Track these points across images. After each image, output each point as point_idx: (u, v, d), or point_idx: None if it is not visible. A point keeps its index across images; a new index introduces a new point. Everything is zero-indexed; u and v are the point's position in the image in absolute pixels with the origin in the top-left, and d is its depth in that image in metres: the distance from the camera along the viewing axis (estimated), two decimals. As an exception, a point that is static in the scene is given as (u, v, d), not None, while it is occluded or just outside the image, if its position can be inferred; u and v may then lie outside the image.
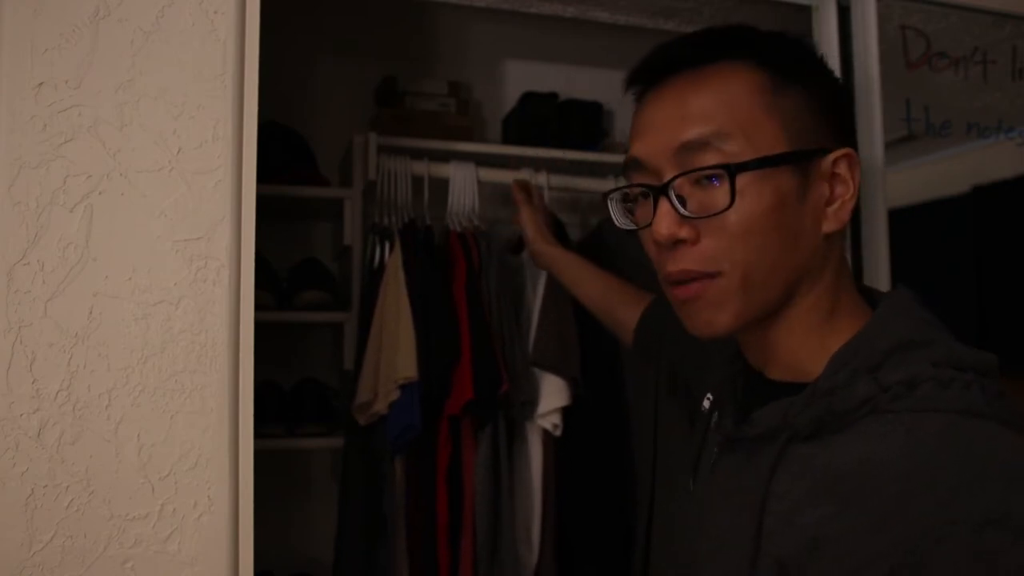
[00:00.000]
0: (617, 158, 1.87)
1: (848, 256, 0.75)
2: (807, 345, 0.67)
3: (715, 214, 0.64)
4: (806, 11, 1.51)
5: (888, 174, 1.47)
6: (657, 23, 1.62)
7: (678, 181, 0.66)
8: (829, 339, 0.66)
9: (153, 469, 0.96)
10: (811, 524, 0.58)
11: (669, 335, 1.06)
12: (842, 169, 0.67)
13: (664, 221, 0.66)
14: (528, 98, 2.05)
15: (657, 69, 0.70)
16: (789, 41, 0.70)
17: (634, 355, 1.23)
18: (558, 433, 1.61)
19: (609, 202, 0.74)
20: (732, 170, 0.63)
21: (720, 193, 0.64)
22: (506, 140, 2.10)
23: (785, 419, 0.63)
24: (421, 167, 1.75)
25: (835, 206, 0.67)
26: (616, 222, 0.74)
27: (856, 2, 1.48)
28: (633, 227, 0.72)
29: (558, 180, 1.85)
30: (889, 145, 1.47)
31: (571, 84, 2.15)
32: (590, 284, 1.34)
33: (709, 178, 0.65)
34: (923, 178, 1.58)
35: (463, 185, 1.75)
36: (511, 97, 2.17)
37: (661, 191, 0.66)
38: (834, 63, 1.48)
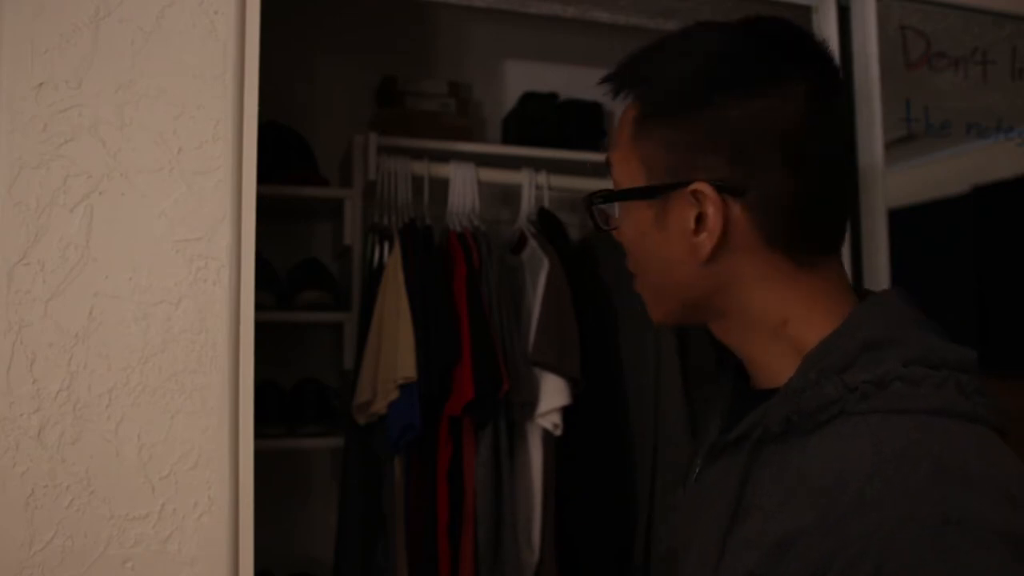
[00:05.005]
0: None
1: (844, 257, 0.75)
2: (773, 353, 0.67)
3: (609, 230, 0.74)
4: (806, 11, 1.51)
5: (888, 174, 1.47)
6: (657, 23, 1.62)
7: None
8: (798, 344, 0.65)
9: (153, 469, 0.96)
10: (779, 530, 0.58)
11: None
12: (701, 200, 0.65)
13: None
14: (528, 98, 2.05)
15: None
16: (675, 74, 0.67)
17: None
18: (558, 433, 1.61)
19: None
20: (590, 200, 0.73)
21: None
22: (506, 140, 2.10)
23: (761, 420, 0.63)
24: (421, 167, 1.75)
25: (703, 236, 0.66)
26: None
27: (856, 2, 1.48)
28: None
29: (558, 180, 1.85)
30: (889, 145, 1.47)
31: (571, 84, 2.14)
32: None
33: None
34: (923, 178, 1.57)
35: (463, 185, 1.75)
36: (511, 97, 2.17)
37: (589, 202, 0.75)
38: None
